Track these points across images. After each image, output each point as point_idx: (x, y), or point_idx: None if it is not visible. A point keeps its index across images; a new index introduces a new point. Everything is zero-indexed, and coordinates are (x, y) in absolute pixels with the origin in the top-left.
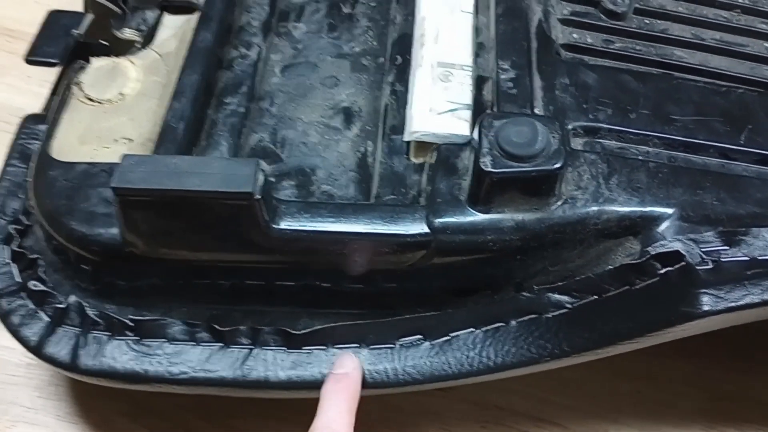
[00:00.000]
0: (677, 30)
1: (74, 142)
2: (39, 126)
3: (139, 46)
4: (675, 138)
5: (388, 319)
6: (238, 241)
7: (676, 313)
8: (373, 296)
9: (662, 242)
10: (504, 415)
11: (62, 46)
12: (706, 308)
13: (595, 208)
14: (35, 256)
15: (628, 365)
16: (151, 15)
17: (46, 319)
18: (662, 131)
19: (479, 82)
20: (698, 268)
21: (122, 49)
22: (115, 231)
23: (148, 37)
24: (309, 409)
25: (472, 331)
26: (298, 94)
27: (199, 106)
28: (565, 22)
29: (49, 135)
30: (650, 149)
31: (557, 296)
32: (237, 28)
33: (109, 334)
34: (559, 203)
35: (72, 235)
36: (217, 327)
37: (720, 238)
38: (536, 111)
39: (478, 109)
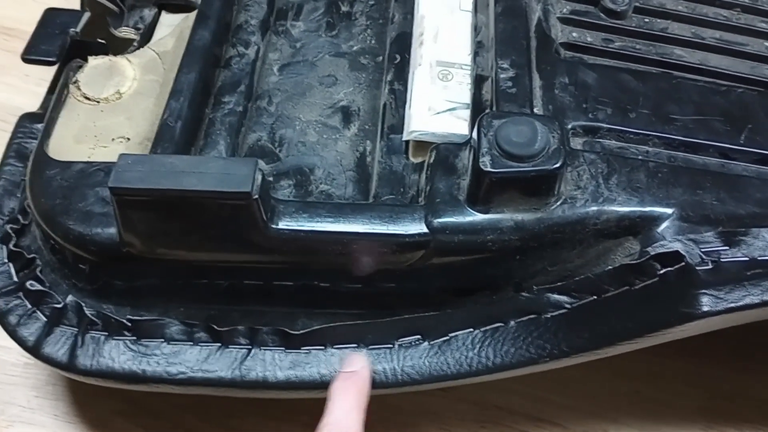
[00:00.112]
0: (677, 29)
1: (71, 141)
2: (36, 125)
3: (136, 44)
4: (675, 137)
5: (387, 319)
6: (236, 241)
7: (675, 314)
8: (372, 296)
9: (662, 242)
10: (503, 414)
11: (59, 45)
12: (705, 309)
13: (594, 208)
14: (32, 255)
15: (628, 365)
16: (148, 13)
17: (44, 319)
18: (662, 131)
19: (478, 81)
20: (698, 268)
21: (119, 47)
22: (112, 230)
23: (146, 35)
24: (307, 409)
25: (471, 332)
26: (296, 93)
27: (196, 105)
28: (564, 20)
29: (45, 134)
30: (650, 149)
31: (556, 296)
32: (235, 27)
33: (107, 334)
34: (559, 203)
35: (69, 235)
36: (215, 327)
37: (720, 239)
38: (536, 110)
39: (477, 108)
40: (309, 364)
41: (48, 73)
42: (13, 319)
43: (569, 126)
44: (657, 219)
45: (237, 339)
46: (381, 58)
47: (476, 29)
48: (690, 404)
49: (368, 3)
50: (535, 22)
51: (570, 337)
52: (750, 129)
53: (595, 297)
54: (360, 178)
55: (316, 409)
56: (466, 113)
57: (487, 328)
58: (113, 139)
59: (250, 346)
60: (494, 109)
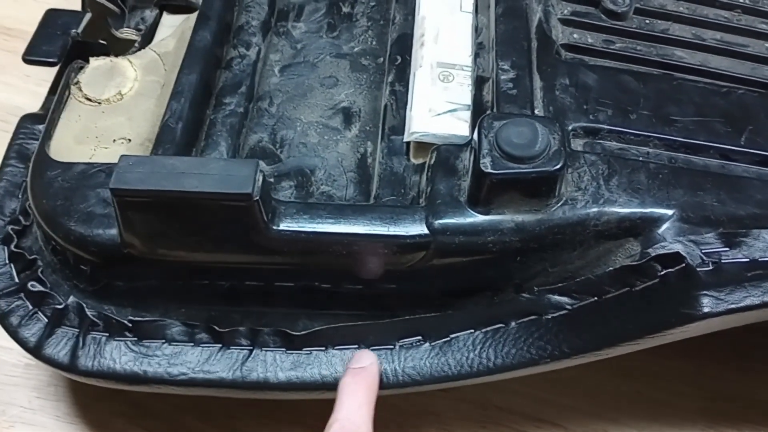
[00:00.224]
0: (678, 30)
1: (72, 142)
2: (37, 126)
3: (137, 45)
4: (675, 139)
5: (388, 320)
6: (237, 242)
7: (676, 315)
8: (373, 297)
9: (662, 244)
10: (504, 415)
11: (60, 46)
12: (706, 310)
13: (595, 210)
14: (34, 256)
15: (628, 365)
16: (149, 14)
17: (45, 320)
18: (663, 132)
19: (479, 82)
20: (698, 269)
21: (121, 48)
22: (113, 232)
23: (147, 36)
24: (310, 410)
25: (471, 333)
26: (297, 94)
27: (197, 107)
28: (565, 22)
29: (46, 135)
30: (650, 150)
31: (557, 297)
32: (236, 28)
33: (108, 335)
34: (559, 204)
35: (70, 236)
36: (216, 328)
37: (720, 240)
38: (536, 112)
39: (478, 109)
40: (310, 365)
41: (49, 73)
42: (14, 320)
43: (570, 127)
44: (658, 220)
45: (238, 340)
46: (382, 59)
47: (477, 30)
48: (690, 405)
49: (369, 4)
50: (535, 23)
51: (571, 338)
52: (750, 130)
53: (596, 298)
54: (361, 179)
55: (319, 410)
56: (467, 114)
57: (488, 329)
58: (114, 140)
59: (251, 347)
60: (495, 110)
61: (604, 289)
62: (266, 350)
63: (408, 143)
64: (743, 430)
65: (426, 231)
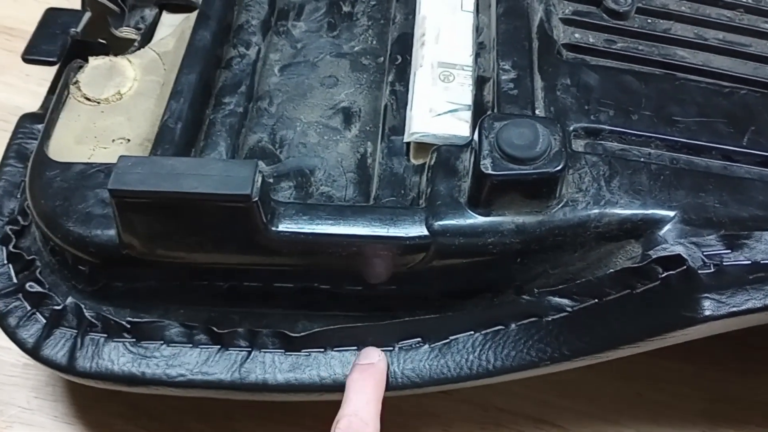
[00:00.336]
0: (680, 30)
1: (71, 142)
2: (36, 125)
3: (137, 45)
4: (677, 139)
5: (387, 321)
6: (236, 243)
7: (677, 318)
8: (372, 298)
9: (664, 245)
10: (504, 416)
11: (59, 45)
12: (707, 313)
13: (596, 211)
14: (32, 257)
15: (629, 367)
16: (149, 13)
17: (43, 320)
18: (664, 133)
19: (480, 82)
20: (700, 272)
21: (120, 47)
22: (112, 232)
23: (147, 35)
24: (308, 411)
25: (471, 334)
26: (297, 93)
27: (197, 106)
28: (566, 21)
29: (45, 135)
30: (652, 151)
31: (558, 299)
32: (236, 27)
33: (106, 336)
34: (560, 206)
35: (69, 237)
36: (214, 329)
37: (722, 242)
38: (537, 112)
39: (479, 109)
40: (309, 366)
41: (49, 72)
42: (12, 320)
43: (571, 128)
44: (659, 222)
45: (237, 341)
46: (382, 58)
47: (478, 30)
48: (691, 406)
49: (369, 3)
50: (537, 22)
51: (571, 341)
52: (753, 131)
53: (597, 300)
54: (361, 179)
55: (319, 411)
56: (468, 115)
57: (488, 330)
58: (113, 140)
59: (249, 349)
60: (496, 110)
61: (605, 291)
62: (265, 352)
63: (408, 143)
64: (744, 431)
65: (426, 232)
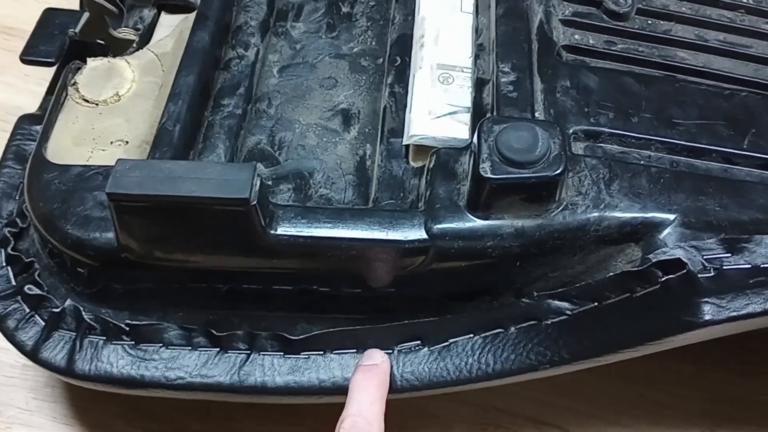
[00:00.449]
0: (680, 31)
1: (69, 144)
2: (35, 126)
3: (135, 46)
4: (677, 142)
5: (387, 324)
6: (234, 246)
7: (677, 323)
8: (371, 301)
9: (664, 249)
10: (504, 417)
11: (58, 46)
12: (707, 318)
13: (595, 215)
14: (31, 259)
15: (630, 368)
16: (148, 14)
17: (42, 323)
18: (664, 135)
19: (479, 84)
20: (700, 275)
21: (119, 48)
22: (110, 235)
23: (145, 36)
24: (308, 411)
25: (471, 337)
26: (296, 95)
27: (195, 108)
28: (566, 23)
29: (44, 136)
30: (652, 153)
31: (557, 302)
32: (234, 28)
33: (105, 338)
34: (560, 209)
35: (67, 239)
36: (213, 332)
37: (722, 245)
38: (537, 114)
39: (478, 112)
40: (308, 369)
41: (48, 72)
42: (11, 323)
43: (570, 130)
44: (659, 225)
45: (236, 344)
46: (381, 60)
47: (477, 31)
48: (692, 407)
49: (369, 4)
50: (536, 24)
51: (570, 344)
52: (753, 133)
53: (596, 304)
54: (360, 182)
55: (319, 412)
56: (467, 117)
57: (488, 334)
58: (112, 142)
59: (249, 351)
60: (495, 113)
61: (605, 294)
62: (264, 354)
63: (407, 146)
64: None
65: (425, 236)
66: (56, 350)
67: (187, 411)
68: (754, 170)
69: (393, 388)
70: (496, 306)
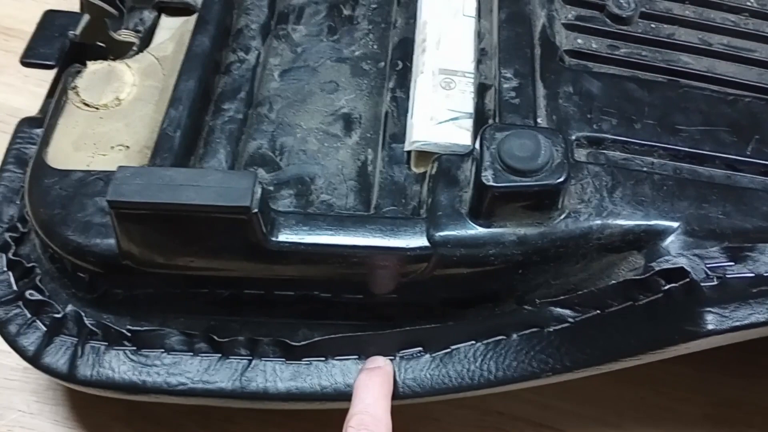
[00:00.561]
0: (684, 34)
1: (70, 149)
2: (35, 129)
3: (135, 48)
4: (680, 149)
5: (389, 330)
6: (235, 253)
7: (679, 332)
8: (373, 307)
9: (667, 257)
10: (505, 420)
11: (58, 48)
12: (710, 327)
13: (598, 222)
14: (32, 264)
15: (631, 371)
16: (148, 15)
17: (43, 328)
18: (668, 142)
19: (481, 89)
20: (703, 284)
21: (119, 50)
22: (111, 241)
23: (145, 39)
24: (309, 415)
25: (472, 344)
26: (297, 99)
27: (196, 113)
28: (569, 27)
29: (44, 141)
30: (655, 160)
31: (559, 310)
32: (235, 31)
33: (107, 344)
34: (562, 217)
35: (68, 245)
36: (215, 338)
37: (725, 254)
38: (539, 121)
39: (480, 118)
40: (310, 375)
41: (47, 73)
42: (12, 328)
43: (573, 137)
44: (662, 233)
45: (237, 350)
46: (383, 63)
47: (479, 36)
48: (694, 411)
49: (370, 7)
50: (539, 28)
51: (572, 352)
52: (757, 140)
53: (599, 311)
54: (361, 187)
55: (320, 416)
56: (469, 123)
57: (489, 340)
58: (112, 147)
59: (250, 357)
60: (497, 119)
61: (607, 302)
62: (266, 360)
63: (409, 152)
64: None
65: (427, 243)
66: (58, 356)
67: (187, 414)
68: (757, 177)
69: (395, 394)
70: (498, 313)
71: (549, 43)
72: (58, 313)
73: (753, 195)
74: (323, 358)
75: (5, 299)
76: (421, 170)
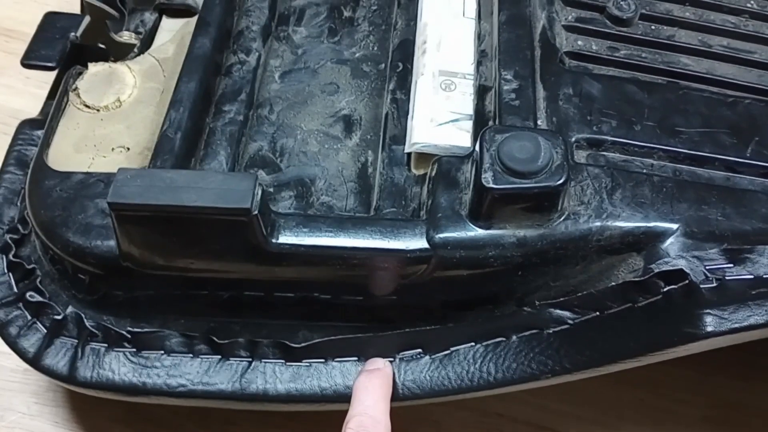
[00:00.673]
0: (684, 36)
1: (71, 151)
2: (36, 131)
3: (136, 50)
4: (680, 151)
5: (388, 332)
6: (235, 255)
7: (678, 334)
8: (373, 309)
9: (666, 259)
10: (504, 422)
11: (59, 50)
12: (709, 329)
13: (598, 224)
14: (32, 266)
15: (630, 372)
16: (149, 17)
17: (44, 330)
18: (667, 144)
19: (481, 91)
20: (702, 286)
21: (120, 52)
22: (111, 243)
23: (146, 41)
24: (309, 416)
25: (472, 346)
26: (297, 101)
27: (196, 115)
28: (569, 28)
29: (45, 142)
30: (655, 162)
31: (559, 312)
32: (236, 33)
33: (107, 345)
34: (562, 219)
35: (68, 247)
36: (215, 339)
37: (724, 256)
38: (539, 123)
39: (480, 119)
40: (309, 377)
41: (48, 75)
42: (13, 330)
43: (573, 139)
44: (661, 235)
45: (237, 351)
46: (383, 65)
47: (480, 37)
48: (693, 412)
49: (371, 8)
50: (539, 30)
51: (572, 354)
52: (757, 142)
53: (598, 313)
54: (361, 189)
55: (319, 417)
56: (469, 125)
57: (489, 342)
58: (113, 149)
59: (250, 359)
60: (497, 121)
61: (606, 304)
62: (266, 362)
63: (409, 153)
64: None
65: (427, 245)
66: (58, 357)
67: (187, 416)
68: (756, 179)
69: (394, 396)
70: (497, 315)
71: (549, 44)
72: (59, 314)
73: (752, 197)
74: (323, 360)
75: (5, 301)
76: (421, 172)
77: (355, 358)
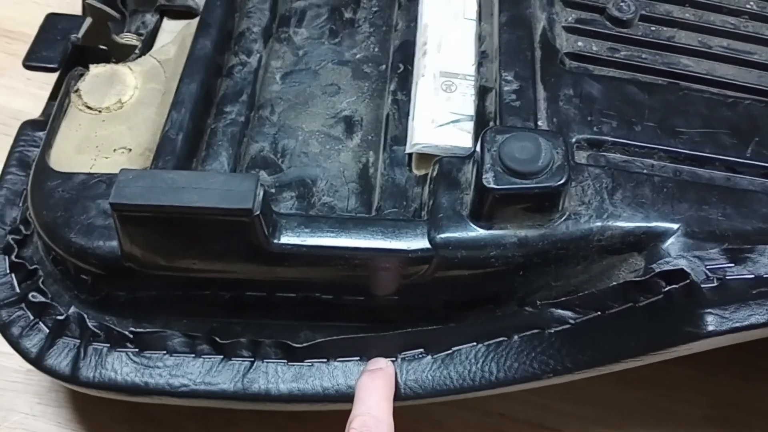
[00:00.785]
0: (684, 37)
1: (72, 152)
2: (37, 132)
3: (138, 52)
4: (681, 151)
5: (390, 332)
6: (237, 255)
7: (679, 333)
8: (375, 309)
9: (667, 259)
10: (506, 422)
11: (60, 51)
12: (710, 329)
13: (598, 224)
14: (34, 266)
15: (632, 372)
16: (150, 18)
17: (46, 330)
18: (668, 144)
19: (482, 92)
20: (703, 286)
21: (121, 53)
22: (114, 243)
23: (148, 42)
24: (309, 418)
25: (474, 345)
26: (298, 102)
27: (198, 116)
28: (570, 29)
29: (47, 144)
30: (655, 162)
31: (560, 311)
32: (237, 34)
33: (109, 345)
34: (563, 219)
35: (70, 248)
36: (217, 339)
37: (725, 255)
38: (540, 123)
39: (481, 120)
40: (312, 377)
41: (49, 76)
42: (15, 330)
43: (573, 139)
44: (662, 235)
45: (239, 351)
46: (384, 66)
47: (480, 38)
48: (695, 412)
49: (371, 10)
50: (539, 31)
51: (573, 354)
52: (757, 142)
53: (599, 313)
54: (363, 190)
55: (321, 417)
56: (470, 125)
57: (491, 342)
58: (115, 150)
59: (252, 359)
60: (498, 122)
61: (608, 304)
62: (268, 362)
63: (410, 154)
64: None
65: (428, 245)
66: (60, 357)
67: (189, 416)
68: (757, 179)
69: (396, 395)
70: (499, 314)
71: (549, 46)
72: (61, 315)
73: (753, 197)
74: (325, 360)
75: (8, 301)
76: (423, 172)
77: (357, 358)
